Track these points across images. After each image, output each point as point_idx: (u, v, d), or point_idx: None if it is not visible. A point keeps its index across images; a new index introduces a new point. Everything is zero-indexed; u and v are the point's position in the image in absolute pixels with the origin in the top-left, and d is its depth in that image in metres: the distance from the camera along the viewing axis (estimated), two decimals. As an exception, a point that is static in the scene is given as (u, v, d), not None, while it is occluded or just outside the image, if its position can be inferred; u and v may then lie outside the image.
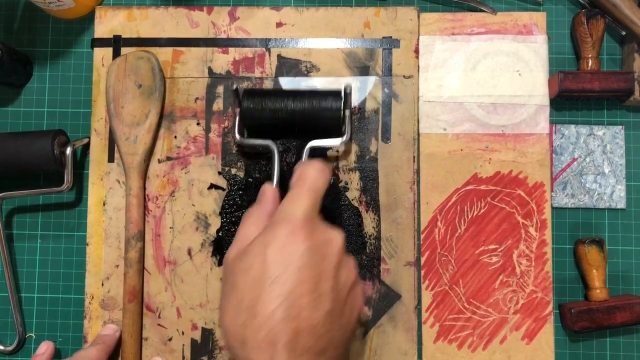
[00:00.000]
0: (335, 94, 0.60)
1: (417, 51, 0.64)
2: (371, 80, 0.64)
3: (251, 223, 0.51)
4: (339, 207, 0.63)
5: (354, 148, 0.63)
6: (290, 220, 0.48)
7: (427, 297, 0.62)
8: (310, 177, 0.50)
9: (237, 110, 0.60)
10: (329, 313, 0.47)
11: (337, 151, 0.63)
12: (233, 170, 0.63)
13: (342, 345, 0.49)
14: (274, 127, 0.60)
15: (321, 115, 0.59)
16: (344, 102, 0.59)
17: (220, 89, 0.64)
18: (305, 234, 0.47)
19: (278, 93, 0.60)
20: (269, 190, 0.54)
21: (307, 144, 0.58)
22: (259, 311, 0.45)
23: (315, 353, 0.46)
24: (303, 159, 0.58)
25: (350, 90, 0.58)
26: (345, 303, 0.49)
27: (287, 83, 0.64)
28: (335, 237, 0.50)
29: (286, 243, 0.47)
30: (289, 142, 0.63)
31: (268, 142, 0.59)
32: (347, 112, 0.60)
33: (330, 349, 0.47)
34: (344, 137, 0.60)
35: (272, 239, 0.47)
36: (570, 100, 0.65)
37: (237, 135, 0.60)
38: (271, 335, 0.44)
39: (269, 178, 0.60)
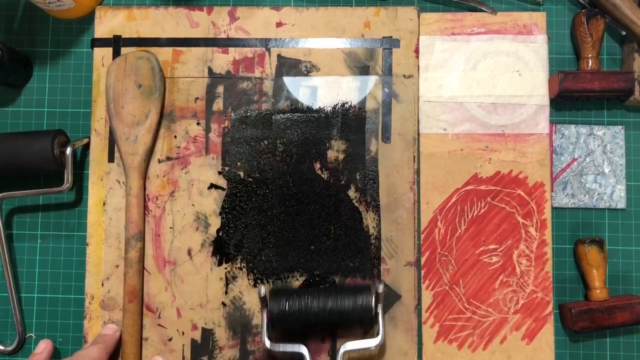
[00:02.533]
0: (366, 290, 0.58)
1: (417, 51, 0.64)
2: (371, 80, 0.64)
3: None
4: (339, 207, 0.63)
5: (354, 148, 0.63)
6: None
7: (427, 297, 0.62)
8: None
9: (265, 312, 0.58)
10: None
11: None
12: (233, 170, 0.63)
13: None
14: (303, 328, 0.59)
15: (353, 315, 0.57)
16: (375, 299, 0.57)
17: (220, 89, 0.64)
18: None
19: (307, 293, 0.58)
20: None
21: (341, 347, 0.57)
22: None
23: None
24: None
25: (383, 288, 0.57)
26: None
27: (288, 82, 0.64)
28: None
29: None
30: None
31: (300, 349, 0.57)
32: (380, 311, 0.58)
33: None
34: (379, 339, 0.58)
35: None
36: (570, 100, 0.65)
37: (267, 342, 0.58)
38: None
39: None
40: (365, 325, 0.59)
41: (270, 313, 0.57)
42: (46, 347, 0.60)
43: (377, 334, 0.58)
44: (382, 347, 0.61)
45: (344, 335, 0.61)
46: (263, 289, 0.56)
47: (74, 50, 0.67)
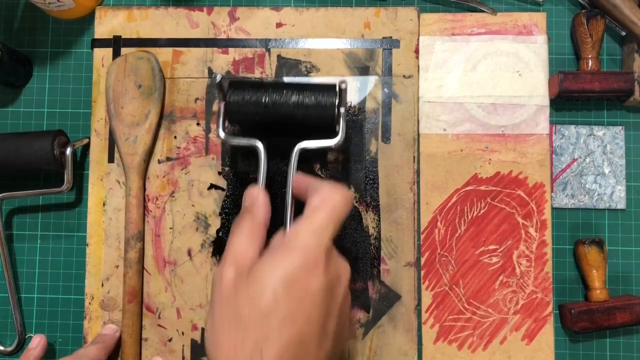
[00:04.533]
0: (329, 88, 0.55)
1: (417, 51, 0.64)
2: (371, 80, 0.64)
3: (246, 235, 0.47)
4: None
5: (354, 148, 0.63)
6: (310, 251, 0.44)
7: (427, 298, 0.62)
8: (336, 204, 0.46)
9: (222, 104, 0.55)
10: (330, 350, 0.45)
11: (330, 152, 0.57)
12: (233, 170, 0.63)
13: None
14: (261, 123, 0.55)
15: (314, 110, 0.54)
16: (338, 99, 0.55)
17: (220, 90, 0.64)
18: (322, 268, 0.44)
19: (267, 85, 0.55)
20: (259, 195, 0.50)
21: (296, 144, 0.53)
22: (267, 350, 0.42)
23: None
24: (292, 165, 0.53)
25: (346, 86, 0.53)
26: (341, 338, 0.48)
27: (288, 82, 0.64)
28: (345, 271, 0.47)
29: (301, 277, 0.43)
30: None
31: (254, 142, 0.54)
32: (342, 110, 0.55)
33: None
34: (339, 138, 0.54)
35: (286, 271, 0.43)
36: (570, 101, 0.65)
37: (221, 133, 0.55)
38: None
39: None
40: (326, 125, 0.55)
41: (227, 103, 0.54)
42: (40, 341, 0.60)
43: (338, 135, 0.54)
44: (382, 348, 0.61)
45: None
46: (219, 76, 0.53)
47: (74, 51, 0.67)
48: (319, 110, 0.54)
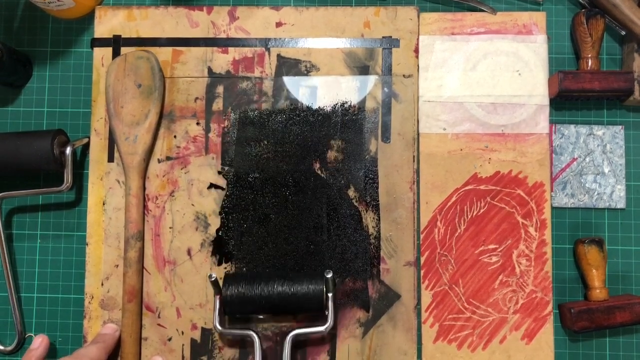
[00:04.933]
0: (317, 277, 0.59)
1: (417, 51, 0.64)
2: (371, 79, 0.64)
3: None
4: (339, 206, 0.63)
5: (354, 148, 0.63)
6: None
7: (426, 297, 0.62)
8: None
9: (217, 297, 0.59)
10: None
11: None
12: (233, 170, 0.63)
13: None
14: (255, 312, 0.59)
15: (303, 300, 0.58)
16: (326, 286, 0.58)
17: (220, 89, 0.64)
18: None
19: (258, 277, 0.59)
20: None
21: (289, 333, 0.58)
22: None
23: None
24: (286, 351, 0.58)
25: (333, 277, 0.58)
26: None
27: (288, 82, 0.64)
28: None
29: None
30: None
31: (249, 333, 0.59)
32: (330, 295, 0.59)
33: None
34: (328, 324, 0.58)
35: None
36: (570, 100, 0.65)
37: (218, 326, 0.59)
38: None
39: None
40: (316, 311, 0.59)
41: (222, 296, 0.58)
42: (42, 342, 0.59)
43: (328, 321, 0.59)
44: (381, 347, 0.61)
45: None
46: (214, 274, 0.57)
47: (73, 50, 0.67)
48: (308, 299, 0.58)
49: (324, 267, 0.62)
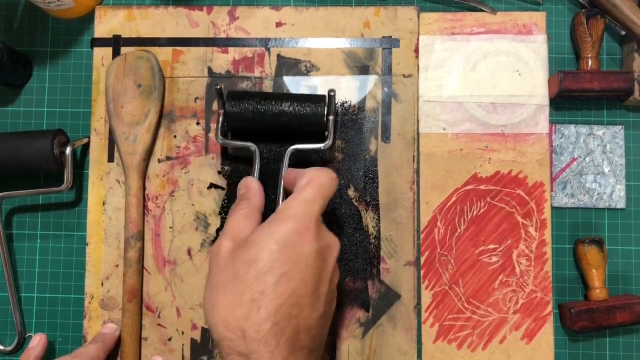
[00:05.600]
0: (318, 98, 0.59)
1: (416, 51, 0.64)
2: (371, 79, 0.64)
3: (242, 216, 0.50)
4: (339, 206, 0.63)
5: (353, 148, 0.63)
6: (301, 219, 0.48)
7: (426, 297, 0.62)
8: (323, 182, 0.51)
9: (221, 111, 0.60)
10: (322, 315, 0.48)
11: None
12: (232, 169, 0.63)
13: (324, 346, 0.51)
14: (256, 129, 0.60)
15: (304, 119, 0.59)
16: (327, 107, 0.59)
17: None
18: (314, 235, 0.48)
19: (262, 95, 0.60)
20: (254, 183, 0.54)
21: (289, 147, 0.58)
22: (264, 305, 0.45)
23: (309, 351, 0.47)
24: (285, 163, 0.57)
25: (334, 95, 0.58)
26: (331, 307, 0.51)
27: (288, 82, 0.64)
28: (335, 243, 0.51)
29: (295, 241, 0.47)
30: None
31: (249, 144, 0.59)
32: (331, 117, 0.59)
33: (317, 349, 0.49)
34: (327, 142, 0.59)
35: (281, 235, 0.47)
36: (570, 100, 0.65)
37: (220, 137, 0.60)
38: (275, 330, 0.45)
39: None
40: (316, 132, 0.60)
41: (225, 109, 0.59)
42: (40, 340, 0.60)
43: (327, 139, 0.59)
44: (381, 347, 0.61)
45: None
46: (219, 84, 0.58)
47: (73, 50, 0.67)
48: (309, 118, 0.59)
49: None
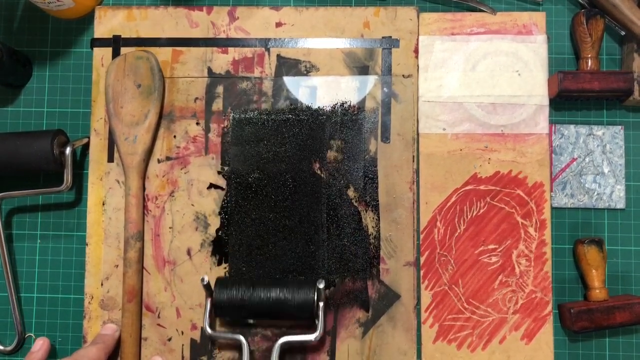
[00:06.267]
0: (309, 285, 0.59)
1: (416, 51, 0.64)
2: (371, 79, 0.64)
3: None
4: (339, 206, 0.63)
5: (353, 148, 0.63)
6: None
7: (426, 297, 0.62)
8: None
9: (208, 300, 0.59)
10: None
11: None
12: (232, 170, 0.63)
13: None
14: (246, 317, 0.60)
15: (293, 307, 0.58)
16: (317, 296, 0.58)
17: (219, 89, 0.64)
18: None
19: (250, 282, 0.59)
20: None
21: (278, 339, 0.58)
22: None
23: None
24: (274, 355, 0.58)
25: (324, 285, 0.58)
26: None
27: (287, 82, 0.64)
28: None
29: None
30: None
31: (238, 337, 0.59)
32: (321, 304, 0.59)
33: None
34: (317, 333, 0.58)
35: None
36: (570, 100, 0.65)
37: (208, 329, 0.59)
38: None
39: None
40: (306, 319, 0.59)
41: (213, 299, 0.58)
42: (43, 344, 0.60)
43: (317, 329, 0.58)
44: (381, 347, 0.61)
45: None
46: (206, 277, 0.57)
47: (73, 50, 0.67)
48: (299, 307, 0.58)
49: (323, 267, 0.62)
